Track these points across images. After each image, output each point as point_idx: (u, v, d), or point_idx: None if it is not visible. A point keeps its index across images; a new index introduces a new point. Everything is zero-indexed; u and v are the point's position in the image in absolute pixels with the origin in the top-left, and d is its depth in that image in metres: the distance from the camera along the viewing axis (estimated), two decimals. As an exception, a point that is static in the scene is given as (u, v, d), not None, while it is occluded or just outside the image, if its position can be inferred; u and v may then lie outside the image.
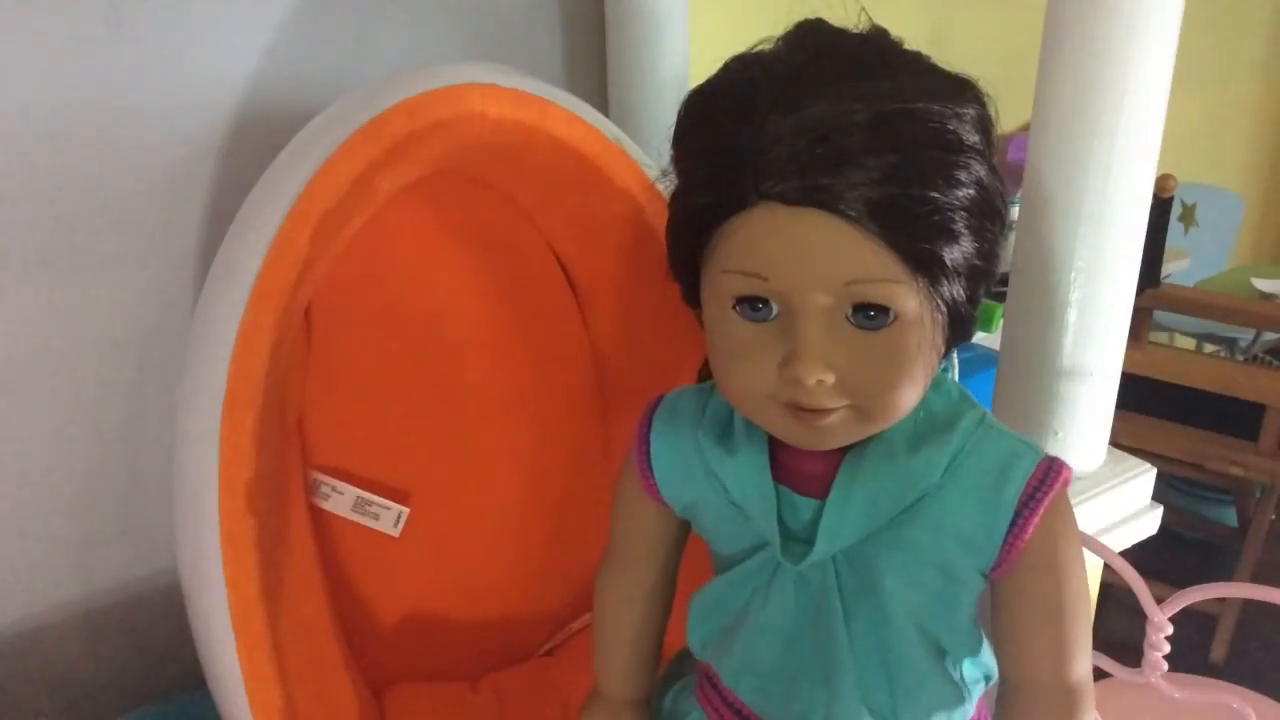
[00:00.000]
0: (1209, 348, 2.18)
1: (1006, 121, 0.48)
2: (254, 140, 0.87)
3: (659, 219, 0.78)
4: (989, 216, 0.45)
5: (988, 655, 0.55)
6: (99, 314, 0.85)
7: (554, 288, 0.93)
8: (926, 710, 0.54)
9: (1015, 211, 0.72)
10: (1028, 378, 0.78)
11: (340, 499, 0.85)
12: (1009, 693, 0.53)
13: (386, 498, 0.87)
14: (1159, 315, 1.85)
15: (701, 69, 0.49)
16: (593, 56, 1.07)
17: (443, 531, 0.91)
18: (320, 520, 0.84)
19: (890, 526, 0.50)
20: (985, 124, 0.46)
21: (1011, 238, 0.72)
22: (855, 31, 0.47)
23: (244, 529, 0.63)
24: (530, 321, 0.93)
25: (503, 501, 0.94)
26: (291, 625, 0.71)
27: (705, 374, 0.57)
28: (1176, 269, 1.92)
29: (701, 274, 0.48)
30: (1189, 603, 0.72)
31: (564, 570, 0.97)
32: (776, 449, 0.52)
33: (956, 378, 0.64)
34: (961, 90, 0.45)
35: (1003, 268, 0.49)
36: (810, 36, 0.46)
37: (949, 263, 0.44)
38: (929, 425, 0.50)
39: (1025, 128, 0.74)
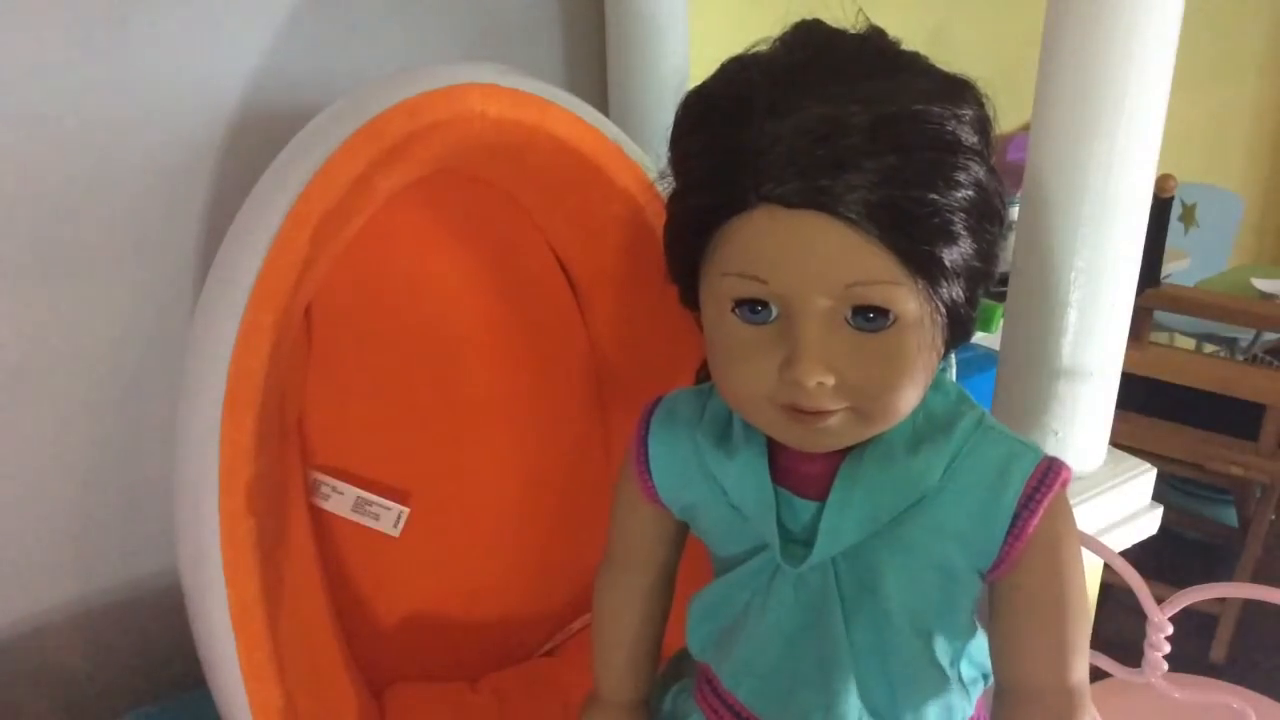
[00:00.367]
0: (1209, 348, 2.18)
1: (1006, 122, 0.48)
2: (254, 140, 0.87)
3: (658, 219, 0.78)
4: (988, 217, 0.45)
5: (987, 655, 0.55)
6: (99, 314, 0.85)
7: (554, 288, 0.93)
8: (926, 710, 0.54)
9: (1015, 212, 0.72)
10: (1028, 378, 0.78)
11: (340, 499, 0.85)
12: (1007, 694, 0.53)
13: (386, 498, 0.87)
14: (1159, 315, 1.85)
15: (701, 69, 0.49)
16: (593, 56, 1.07)
17: (443, 531, 0.91)
18: (320, 520, 0.84)
19: (889, 528, 0.50)
20: (984, 125, 0.46)
21: (1011, 238, 0.72)
22: (853, 32, 0.46)
23: (244, 529, 0.63)
24: (530, 321, 0.93)
25: (502, 501, 0.94)
26: (291, 625, 0.70)
27: (703, 375, 0.57)
28: (1176, 269, 1.92)
29: (700, 276, 0.48)
30: (1189, 603, 0.72)
31: (564, 570, 0.97)
32: (775, 451, 0.52)
33: (954, 378, 0.64)
34: (960, 91, 0.45)
35: (1003, 268, 0.49)
36: (808, 37, 0.46)
37: (948, 264, 0.44)
38: (928, 426, 0.50)
39: (1025, 128, 0.75)
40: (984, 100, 0.46)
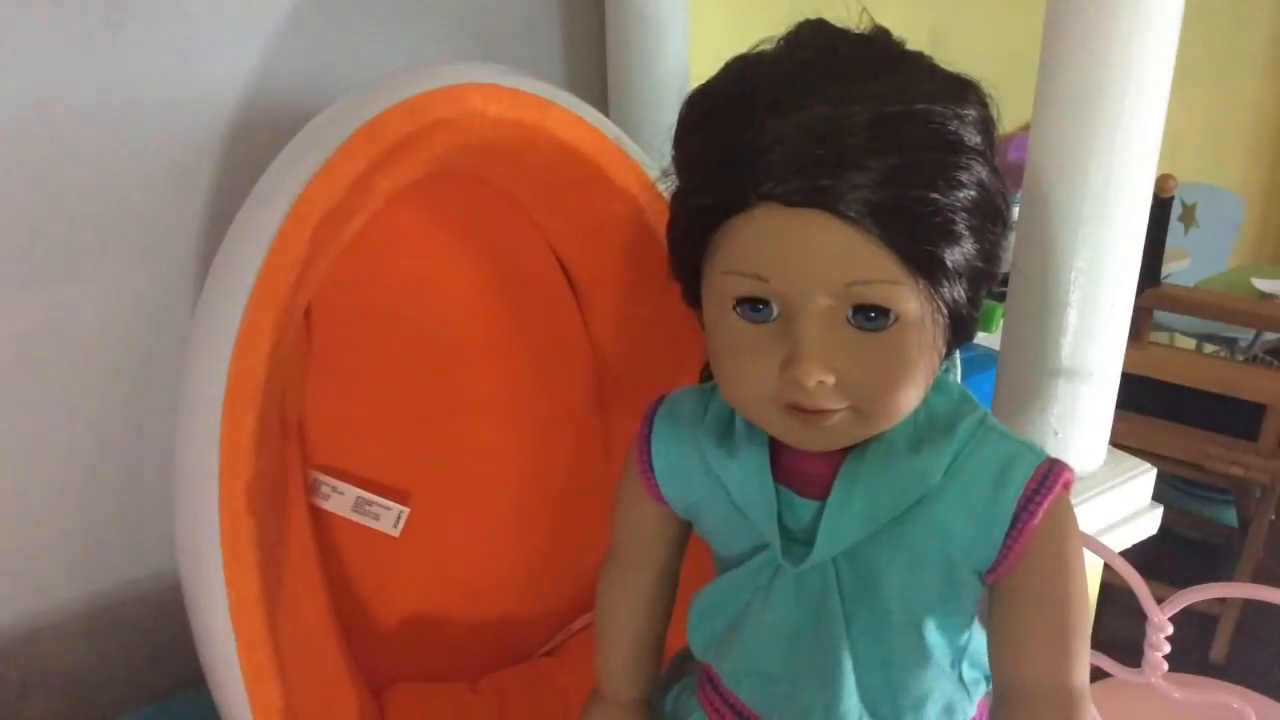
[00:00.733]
0: (1209, 348, 2.19)
1: (1006, 121, 0.48)
2: (254, 140, 0.87)
3: (659, 219, 0.78)
4: (990, 218, 0.45)
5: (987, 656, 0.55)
6: (99, 314, 0.85)
7: (554, 288, 0.93)
8: (927, 710, 0.54)
9: (1015, 211, 0.72)
10: (1028, 378, 0.78)
11: (340, 499, 0.85)
12: (1007, 695, 0.52)
13: (386, 498, 0.87)
14: (1159, 315, 1.85)
15: (701, 69, 0.49)
16: (593, 56, 1.07)
17: (443, 531, 0.91)
18: (320, 520, 0.84)
19: (890, 527, 0.50)
20: (987, 125, 0.45)
21: (1011, 238, 0.72)
22: (857, 32, 0.46)
23: (244, 529, 0.63)
24: (530, 321, 0.93)
25: (503, 501, 0.94)
26: (291, 625, 0.71)
27: (707, 374, 0.57)
28: (1176, 269, 1.92)
29: (702, 275, 0.48)
30: (1189, 603, 0.72)
31: (564, 570, 0.97)
32: (777, 450, 0.52)
33: (958, 378, 0.64)
34: (963, 91, 0.45)
35: (1003, 268, 0.49)
36: (811, 37, 0.46)
37: (950, 264, 0.44)
38: (930, 426, 0.50)
39: (1025, 128, 0.74)
40: (987, 100, 0.46)
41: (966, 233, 0.44)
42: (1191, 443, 1.64)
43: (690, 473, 0.56)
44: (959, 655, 0.55)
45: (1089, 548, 0.69)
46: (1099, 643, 0.62)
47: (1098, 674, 0.69)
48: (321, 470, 0.85)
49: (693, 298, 0.50)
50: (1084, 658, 0.51)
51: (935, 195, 0.42)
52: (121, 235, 0.85)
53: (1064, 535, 0.50)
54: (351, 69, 0.91)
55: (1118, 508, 0.84)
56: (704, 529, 0.59)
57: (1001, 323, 0.80)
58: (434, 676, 0.90)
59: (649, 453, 0.57)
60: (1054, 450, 0.74)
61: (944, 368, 0.51)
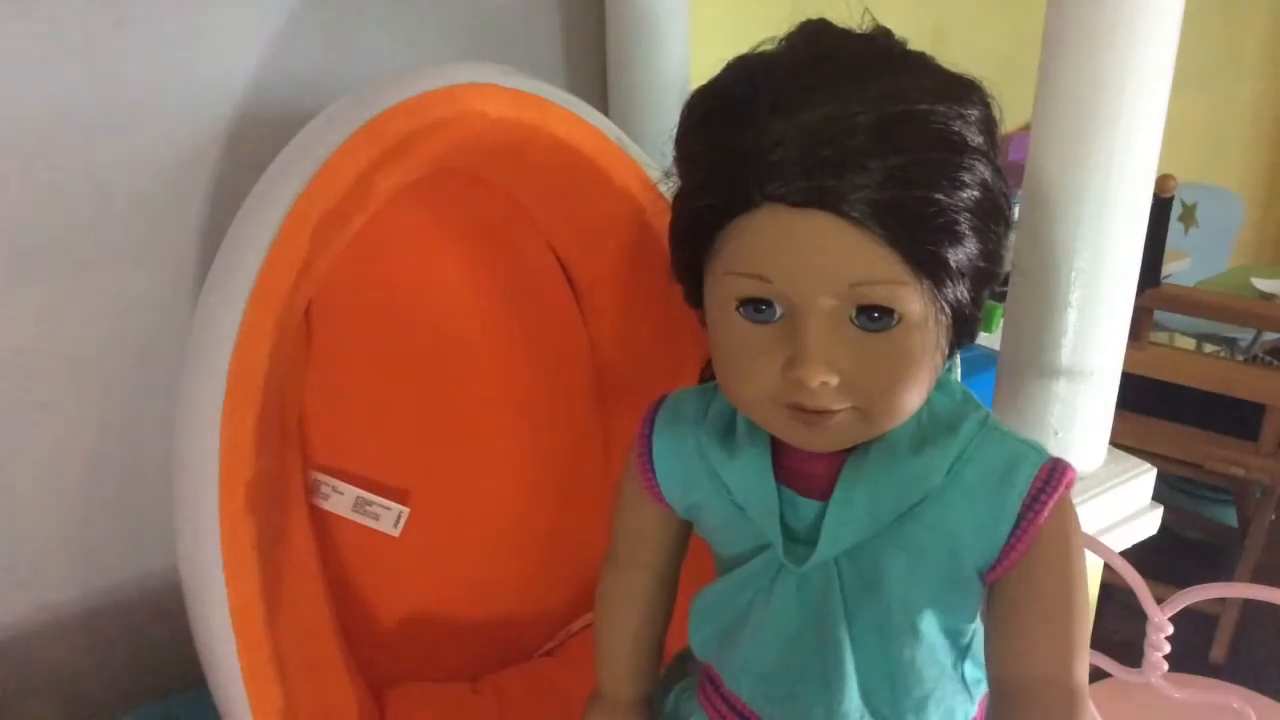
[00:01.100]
0: (1209, 348, 2.18)
1: (1007, 121, 0.48)
2: (254, 140, 0.87)
3: (659, 219, 0.78)
4: (993, 218, 0.45)
5: None
6: (99, 314, 0.85)
7: (554, 288, 0.93)
8: (928, 711, 0.54)
9: (1016, 211, 0.72)
10: (1028, 378, 0.78)
11: (340, 499, 0.85)
12: (1009, 692, 0.52)
13: (386, 498, 0.87)
14: (1159, 315, 1.85)
15: (701, 69, 0.49)
16: (593, 56, 1.07)
17: (443, 531, 0.91)
18: (320, 520, 0.84)
19: (893, 527, 0.50)
20: (990, 125, 0.45)
21: (1012, 238, 0.72)
22: (859, 32, 0.46)
23: (244, 529, 0.63)
24: (530, 321, 0.93)
25: (503, 501, 0.94)
26: (291, 625, 0.70)
27: (708, 374, 0.57)
28: (1176, 269, 1.92)
29: (704, 276, 0.48)
30: (1189, 603, 0.72)
31: (564, 570, 0.97)
32: (779, 450, 0.52)
33: (959, 378, 0.64)
34: (966, 91, 0.45)
35: (1005, 268, 0.49)
36: (814, 37, 0.46)
37: (953, 264, 0.44)
38: (932, 427, 0.50)
39: (1025, 128, 0.75)
40: (990, 100, 0.46)
41: (969, 233, 0.44)
42: (1191, 443, 1.64)
43: (691, 473, 0.56)
44: (961, 655, 0.55)
45: (1089, 548, 0.69)
46: (1099, 643, 0.62)
47: (1098, 674, 0.70)
48: (321, 470, 0.85)
49: (695, 298, 0.50)
50: (1085, 656, 0.51)
51: (938, 195, 0.42)
52: (121, 235, 0.85)
53: (1068, 534, 0.50)
54: (351, 69, 0.91)
55: (1118, 508, 0.84)
56: (705, 529, 0.59)
57: (1001, 323, 0.80)
58: (434, 676, 0.90)
59: (650, 453, 0.57)
60: (1054, 450, 0.74)
61: (946, 368, 0.50)
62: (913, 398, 0.46)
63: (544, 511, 0.96)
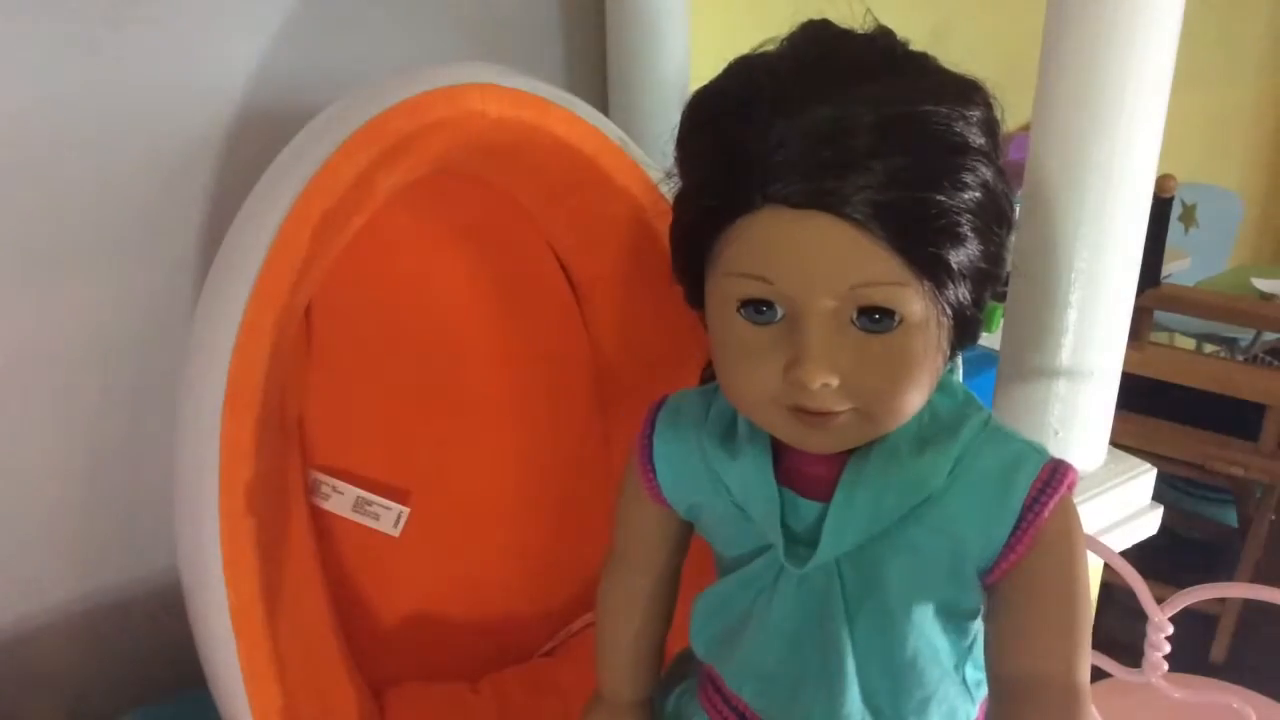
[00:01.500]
0: (1209, 348, 2.18)
1: (1007, 121, 0.48)
2: (254, 140, 0.87)
3: (659, 219, 0.78)
4: (995, 219, 0.45)
5: None
6: (99, 314, 0.85)
7: (554, 288, 0.93)
8: (929, 712, 0.54)
9: (1017, 212, 0.72)
10: (1028, 378, 0.78)
11: (340, 499, 0.85)
12: (1010, 694, 0.52)
13: (386, 498, 0.87)
14: (1159, 315, 1.85)
15: (701, 69, 0.49)
16: (593, 56, 1.07)
17: (443, 531, 0.91)
18: (320, 520, 0.84)
19: (894, 529, 0.50)
20: (992, 126, 0.45)
21: (1012, 238, 0.72)
22: (861, 32, 0.46)
23: (244, 529, 0.63)
24: (530, 322, 0.93)
25: (503, 501, 0.94)
26: (291, 625, 0.70)
27: (708, 375, 0.57)
28: (1176, 269, 1.92)
29: (705, 276, 0.48)
30: (1189, 603, 0.72)
31: (564, 570, 0.97)
32: (780, 451, 0.52)
33: (961, 379, 0.64)
34: (968, 92, 0.45)
35: (1006, 269, 0.49)
36: (816, 37, 0.46)
37: (955, 266, 0.43)
38: (934, 428, 0.50)
39: (1025, 128, 0.74)
40: (992, 101, 0.46)
41: (971, 234, 0.43)
42: (1191, 443, 1.64)
43: (692, 474, 0.56)
44: (963, 657, 0.55)
45: (1089, 548, 0.69)
46: (1099, 643, 0.62)
47: (1098, 674, 0.69)
48: (321, 470, 0.85)
49: (696, 299, 0.50)
50: (1087, 656, 0.51)
51: (940, 197, 0.42)
52: (121, 235, 0.85)
53: (1070, 534, 0.50)
54: (351, 69, 0.91)
55: (1118, 508, 0.84)
56: (706, 530, 0.58)
57: (1001, 323, 0.80)
58: (434, 676, 0.90)
59: (651, 454, 0.57)
60: (1054, 450, 0.74)
61: (948, 369, 0.50)
62: (914, 399, 0.46)
63: (544, 511, 0.96)
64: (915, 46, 0.46)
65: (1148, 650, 0.73)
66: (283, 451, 0.76)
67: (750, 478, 0.52)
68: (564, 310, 0.94)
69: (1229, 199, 2.27)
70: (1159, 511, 0.86)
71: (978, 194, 0.43)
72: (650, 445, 0.57)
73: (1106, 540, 0.80)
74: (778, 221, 0.43)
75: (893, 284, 0.43)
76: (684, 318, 0.54)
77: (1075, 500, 0.51)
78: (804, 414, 0.46)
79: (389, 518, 0.87)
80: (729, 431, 0.54)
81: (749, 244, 0.44)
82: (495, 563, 0.94)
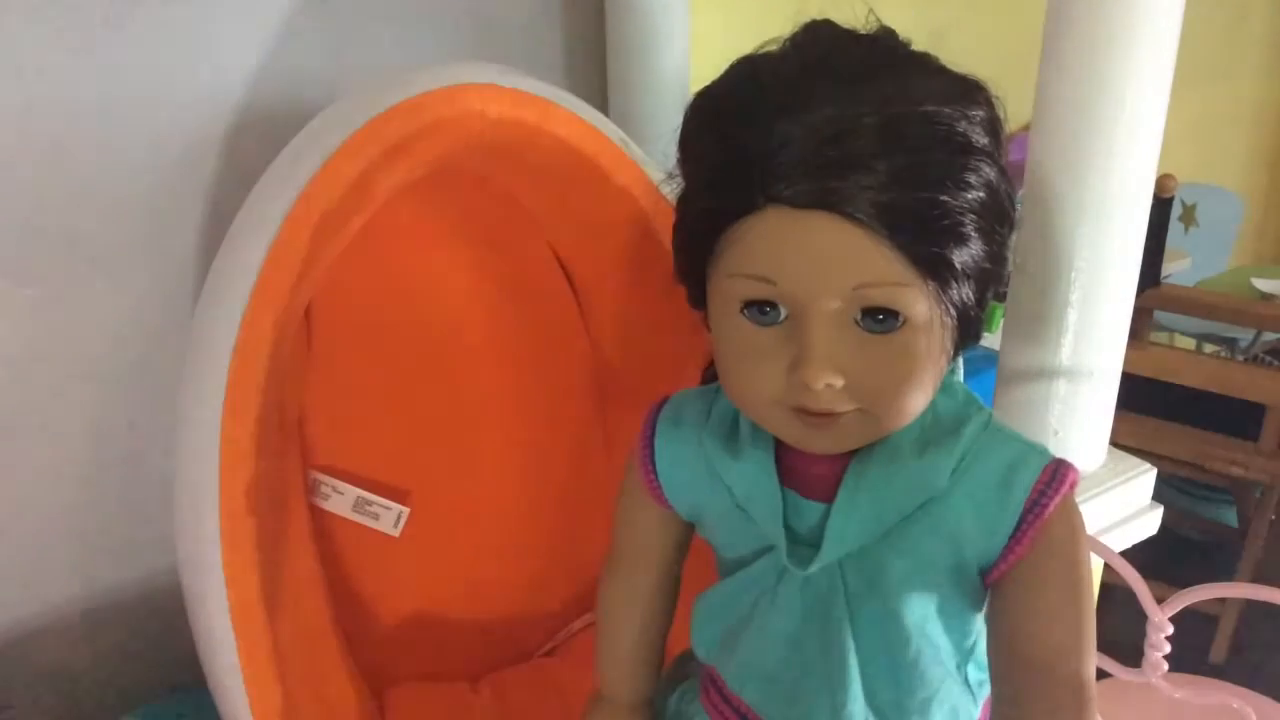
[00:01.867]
0: (1209, 348, 2.18)
1: (1009, 122, 0.48)
2: (254, 140, 0.87)
3: (659, 219, 0.78)
4: (998, 219, 0.45)
5: None
6: (99, 314, 0.85)
7: (554, 288, 0.93)
8: (932, 713, 0.54)
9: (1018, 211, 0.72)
10: (1028, 378, 0.78)
11: (340, 499, 0.85)
12: (1016, 691, 0.51)
13: (386, 498, 0.87)
14: (1159, 315, 1.85)
15: (701, 69, 0.49)
16: (593, 57, 1.07)
17: (443, 531, 0.91)
18: (320, 520, 0.84)
19: (897, 530, 0.50)
20: (995, 126, 0.45)
21: (1013, 238, 0.72)
22: (863, 33, 0.46)
23: (244, 529, 0.63)
24: (530, 321, 0.93)
25: (503, 501, 0.94)
26: (291, 625, 0.70)
27: (710, 375, 0.57)
28: (1176, 269, 1.92)
29: (708, 277, 0.48)
30: (1189, 603, 0.72)
31: (564, 570, 0.97)
32: (782, 452, 0.52)
33: (961, 378, 0.64)
34: (971, 92, 0.45)
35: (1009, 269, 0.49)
36: (818, 37, 0.46)
37: (958, 266, 0.43)
38: (936, 429, 0.50)
39: (1026, 128, 0.74)
40: (995, 101, 0.46)
41: (974, 234, 0.43)
42: (1191, 443, 1.64)
43: (694, 475, 0.56)
44: (965, 657, 0.54)
45: (1089, 548, 0.69)
46: (1099, 643, 0.62)
47: (1098, 674, 0.69)
48: (321, 470, 0.85)
49: (698, 300, 0.50)
50: (1092, 653, 0.51)
51: (944, 197, 0.42)
52: (121, 235, 0.85)
53: (1073, 533, 0.50)
54: (351, 69, 0.91)
55: (1118, 508, 0.84)
56: (708, 531, 0.58)
57: (1001, 323, 0.80)
58: (434, 676, 0.90)
59: (652, 455, 0.57)
60: (1054, 450, 0.74)
61: (950, 369, 0.50)
62: (918, 399, 0.46)
63: (544, 511, 0.96)
64: (916, 47, 0.46)
65: (1148, 650, 0.73)
66: (283, 451, 0.76)
67: (753, 478, 0.52)
68: (564, 310, 0.94)
69: (1229, 199, 2.27)
70: (1159, 511, 0.86)
71: (981, 194, 0.43)
72: (651, 445, 0.57)
73: (1106, 540, 0.80)
74: (781, 222, 0.43)
75: (896, 284, 0.43)
76: (684, 318, 0.54)
77: (1075, 500, 0.51)
78: (807, 415, 0.46)
79: (389, 518, 0.87)
80: (731, 432, 0.54)
81: (752, 245, 0.44)
82: (495, 563, 0.94)
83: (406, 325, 0.88)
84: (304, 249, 0.64)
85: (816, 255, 0.43)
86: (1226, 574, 1.72)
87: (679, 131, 0.48)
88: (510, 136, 0.72)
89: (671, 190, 0.50)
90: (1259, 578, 1.63)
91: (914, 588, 0.51)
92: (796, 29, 0.47)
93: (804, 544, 0.51)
